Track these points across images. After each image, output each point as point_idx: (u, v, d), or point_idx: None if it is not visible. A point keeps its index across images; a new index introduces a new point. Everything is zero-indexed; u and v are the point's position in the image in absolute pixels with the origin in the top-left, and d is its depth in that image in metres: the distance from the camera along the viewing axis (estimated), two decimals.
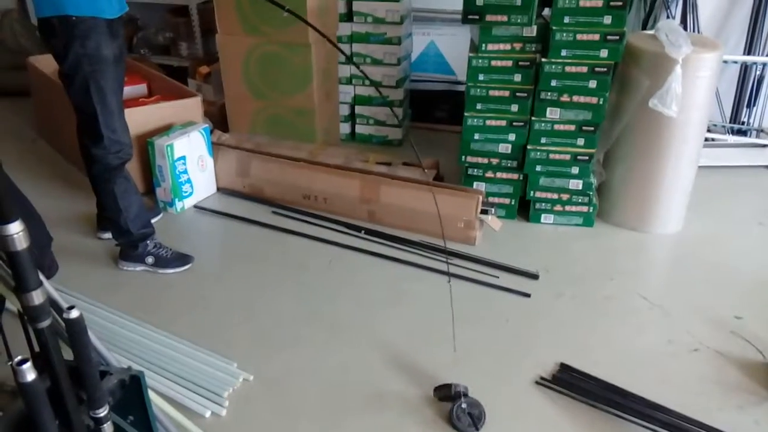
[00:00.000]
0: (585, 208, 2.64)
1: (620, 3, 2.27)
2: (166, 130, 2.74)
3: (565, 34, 2.34)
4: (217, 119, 3.32)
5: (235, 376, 1.82)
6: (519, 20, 2.35)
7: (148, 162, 2.68)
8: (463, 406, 1.64)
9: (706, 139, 3.19)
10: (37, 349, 0.86)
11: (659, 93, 2.31)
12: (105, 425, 0.93)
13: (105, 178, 2.22)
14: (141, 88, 3.24)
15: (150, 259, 2.33)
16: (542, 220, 2.70)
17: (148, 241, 2.35)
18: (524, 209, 2.73)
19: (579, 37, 2.34)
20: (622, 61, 2.46)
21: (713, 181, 3.03)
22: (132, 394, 1.02)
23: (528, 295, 2.23)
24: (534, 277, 2.34)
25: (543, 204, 2.67)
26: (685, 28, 3.34)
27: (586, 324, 2.10)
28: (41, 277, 0.80)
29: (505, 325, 2.08)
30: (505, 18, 2.36)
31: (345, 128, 3.44)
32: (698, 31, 3.39)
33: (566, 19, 2.33)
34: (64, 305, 0.86)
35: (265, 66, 3.00)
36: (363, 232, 2.59)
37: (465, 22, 2.40)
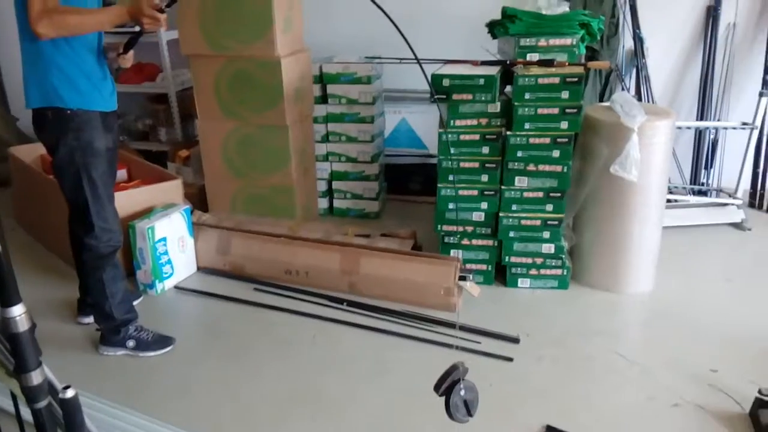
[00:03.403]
0: (559, 271, 2.73)
1: (575, 79, 2.45)
2: (147, 213, 2.79)
3: (527, 109, 2.50)
4: (197, 200, 3.38)
5: None
6: (483, 98, 2.51)
7: (129, 245, 2.71)
8: (461, 392, 1.56)
9: (669, 201, 3.36)
10: None
11: (619, 159, 2.45)
12: None
13: (95, 266, 2.24)
14: (121, 173, 3.31)
15: (131, 343, 2.32)
16: (519, 284, 2.77)
17: (130, 326, 2.34)
18: (501, 274, 2.80)
19: (540, 111, 2.50)
20: (582, 131, 2.63)
21: (679, 241, 3.16)
22: None
23: (510, 359, 2.26)
24: (515, 341, 2.38)
25: (518, 269, 2.75)
26: (640, 99, 3.58)
27: (569, 385, 2.13)
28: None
29: (488, 390, 2.10)
30: (470, 96, 2.52)
31: (323, 203, 3.53)
32: (652, 101, 3.63)
33: (527, 96, 2.49)
34: (59, 386, 0.89)
35: (245, 147, 3.11)
36: (345, 304, 2.62)
37: (433, 101, 2.55)
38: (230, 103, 3.04)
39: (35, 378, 0.82)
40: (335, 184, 3.48)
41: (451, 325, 2.45)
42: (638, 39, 3.53)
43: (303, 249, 2.73)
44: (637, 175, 2.44)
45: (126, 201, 2.80)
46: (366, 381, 2.16)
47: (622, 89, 3.61)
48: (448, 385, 1.59)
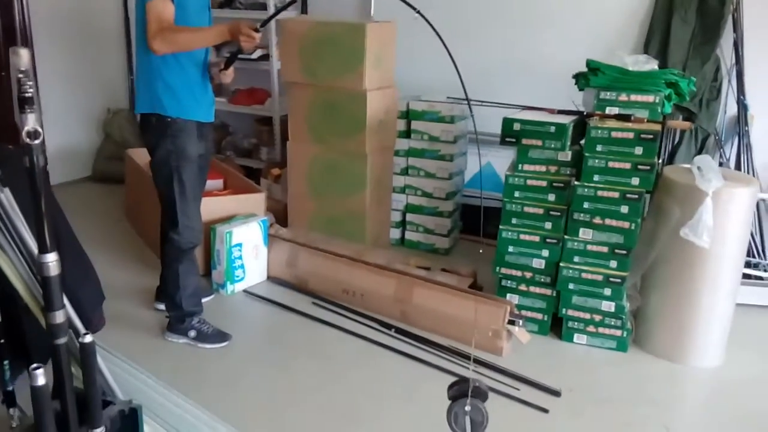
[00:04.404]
0: (618, 332, 2.63)
1: (651, 136, 2.41)
2: (229, 219, 3.04)
3: (597, 161, 2.49)
4: (281, 216, 3.62)
5: None
6: (553, 145, 2.53)
7: (209, 246, 2.97)
8: (467, 408, 1.53)
9: (757, 278, 3.14)
10: None
11: (690, 223, 2.36)
12: None
13: (174, 258, 2.49)
14: (218, 183, 3.63)
15: (192, 333, 2.53)
16: (575, 340, 2.70)
17: (195, 318, 2.56)
18: (558, 327, 2.74)
19: (611, 164, 2.47)
20: (658, 190, 2.56)
21: (760, 320, 2.93)
22: (130, 425, 1.16)
23: (546, 411, 2.21)
24: (556, 394, 2.32)
25: (575, 323, 2.68)
26: (739, 168, 3.40)
27: None
28: (65, 301, 0.99)
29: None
30: (539, 143, 2.55)
31: (396, 233, 3.64)
32: (753, 172, 3.42)
33: (599, 147, 2.48)
34: (83, 330, 1.04)
35: (326, 171, 3.31)
36: (393, 330, 2.69)
37: (503, 143, 2.61)
38: (319, 129, 3.27)
39: (59, 317, 0.98)
40: (409, 217, 3.59)
41: (495, 369, 2.44)
42: (742, 106, 3.37)
43: (361, 271, 2.85)
44: (708, 242, 2.33)
45: (213, 206, 3.08)
46: (393, 405, 2.21)
47: (720, 156, 3.45)
48: (456, 393, 1.57)
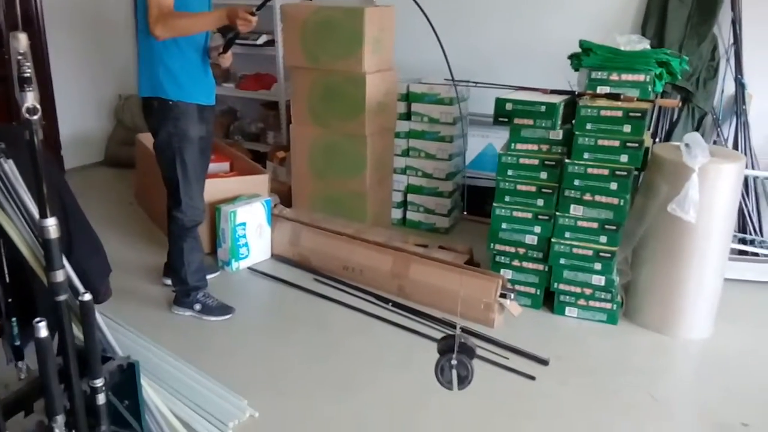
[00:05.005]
0: (608, 305, 2.70)
1: (639, 114, 2.47)
2: (234, 199, 3.15)
3: (587, 139, 2.55)
4: (285, 197, 3.73)
5: (243, 411, 2.04)
6: (544, 124, 2.60)
7: (215, 225, 3.08)
8: (453, 362, 1.61)
9: (749, 253, 3.19)
10: None
11: (677, 199, 2.42)
12: (99, 395, 1.19)
13: (178, 235, 2.61)
14: (224, 166, 3.74)
15: (197, 306, 2.65)
16: (566, 313, 2.78)
17: (200, 292, 2.68)
18: (550, 301, 2.83)
19: (600, 142, 2.54)
20: (648, 167, 2.62)
21: (753, 295, 2.98)
22: (128, 379, 1.27)
23: (533, 378, 2.31)
24: (543, 362, 2.41)
25: (567, 297, 2.76)
26: (736, 147, 3.43)
27: (584, 413, 2.13)
28: (67, 265, 1.10)
29: (503, 404, 2.16)
30: (531, 122, 2.62)
31: (397, 214, 3.74)
32: (750, 151, 3.44)
33: (588, 126, 2.54)
34: (82, 290, 1.16)
35: (327, 153, 3.40)
36: (390, 304, 2.79)
37: (495, 123, 2.68)
38: (320, 112, 3.36)
39: (59, 276, 1.09)
40: (410, 197, 3.67)
41: (486, 339, 2.54)
42: (739, 84, 3.39)
43: (360, 248, 2.95)
44: (695, 217, 2.40)
45: (219, 187, 3.19)
46: (390, 372, 2.31)
47: (718, 135, 3.49)
48: (443, 348, 1.66)
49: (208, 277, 2.86)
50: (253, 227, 3.12)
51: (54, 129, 4.44)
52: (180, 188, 2.51)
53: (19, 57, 0.95)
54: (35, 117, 0.97)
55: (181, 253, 2.61)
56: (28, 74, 0.95)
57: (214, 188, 3.10)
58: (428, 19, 1.69)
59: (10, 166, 1.11)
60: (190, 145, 2.47)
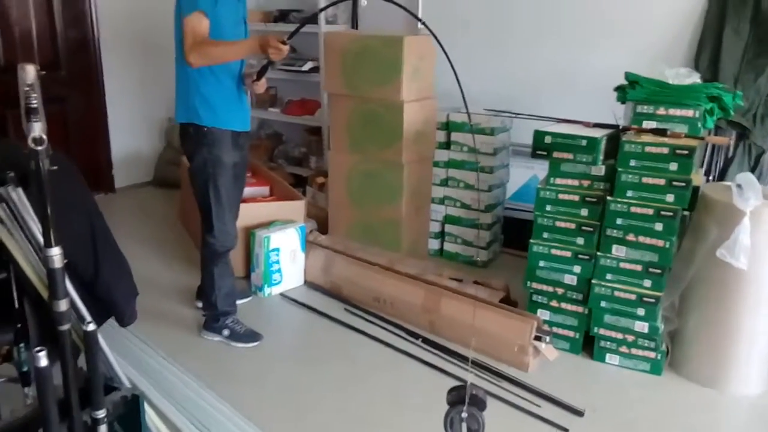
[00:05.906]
0: (652, 354, 2.54)
1: (686, 152, 2.34)
2: (269, 224, 3.16)
3: (630, 176, 2.43)
4: (323, 222, 3.72)
5: None
6: (585, 159, 2.49)
7: (249, 249, 3.09)
8: (463, 415, 1.51)
9: None
10: None
11: (727, 243, 2.26)
12: (101, 426, 1.17)
13: (210, 260, 2.63)
14: (264, 190, 3.76)
15: (226, 332, 2.64)
16: (607, 360, 2.63)
17: (229, 317, 2.67)
18: (590, 346, 2.68)
19: (644, 180, 2.41)
20: (696, 208, 2.47)
21: None
22: (132, 411, 1.25)
23: (566, 430, 2.18)
24: (578, 413, 2.27)
25: (607, 342, 2.61)
26: None
27: None
28: (72, 291, 1.09)
29: None
30: (571, 156, 2.52)
31: (435, 244, 3.66)
32: None
33: (632, 162, 2.42)
34: (88, 318, 1.15)
35: (365, 180, 3.38)
36: (420, 340, 2.71)
37: (534, 156, 2.59)
38: (358, 139, 3.35)
39: (62, 305, 1.08)
40: (448, 228, 3.60)
41: (518, 384, 2.42)
42: None
43: (392, 280, 2.89)
44: (746, 263, 2.23)
45: (255, 212, 3.21)
46: (412, 415, 2.23)
47: None
48: (454, 399, 1.55)
49: (241, 302, 2.86)
50: (286, 253, 3.11)
51: (106, 149, 4.60)
52: (212, 213, 2.52)
53: (26, 88, 0.96)
54: (41, 147, 0.98)
55: (212, 277, 2.62)
56: (35, 105, 0.96)
57: (250, 212, 3.11)
58: (442, 48, 1.67)
59: (18, 195, 1.13)
60: (224, 171, 2.49)
